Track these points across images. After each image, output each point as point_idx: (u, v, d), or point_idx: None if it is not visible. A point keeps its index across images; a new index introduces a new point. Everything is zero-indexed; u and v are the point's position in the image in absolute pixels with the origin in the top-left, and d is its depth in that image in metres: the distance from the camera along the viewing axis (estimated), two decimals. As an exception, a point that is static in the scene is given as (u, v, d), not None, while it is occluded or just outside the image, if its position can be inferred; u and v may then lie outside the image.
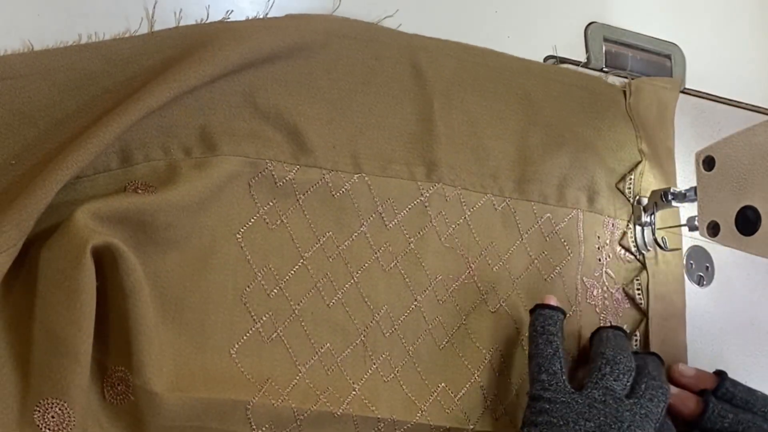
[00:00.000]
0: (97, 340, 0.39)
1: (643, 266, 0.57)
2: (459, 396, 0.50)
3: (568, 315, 0.54)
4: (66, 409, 0.38)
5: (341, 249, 0.48)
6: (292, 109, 0.46)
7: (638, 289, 0.57)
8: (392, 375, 0.48)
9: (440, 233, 0.51)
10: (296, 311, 0.46)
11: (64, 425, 0.38)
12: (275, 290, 0.46)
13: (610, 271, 0.57)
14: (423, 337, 0.49)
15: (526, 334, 0.52)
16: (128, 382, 0.40)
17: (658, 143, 0.60)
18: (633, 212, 0.58)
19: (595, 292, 0.56)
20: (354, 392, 0.46)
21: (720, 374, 0.53)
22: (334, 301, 0.47)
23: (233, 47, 0.43)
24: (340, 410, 0.45)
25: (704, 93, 0.65)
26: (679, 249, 0.59)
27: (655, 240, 0.57)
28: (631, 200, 0.58)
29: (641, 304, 0.57)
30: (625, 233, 0.58)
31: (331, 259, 0.47)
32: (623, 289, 0.57)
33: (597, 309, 0.55)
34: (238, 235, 0.45)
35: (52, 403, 0.38)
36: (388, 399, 0.47)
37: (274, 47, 0.45)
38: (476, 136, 0.53)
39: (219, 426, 0.42)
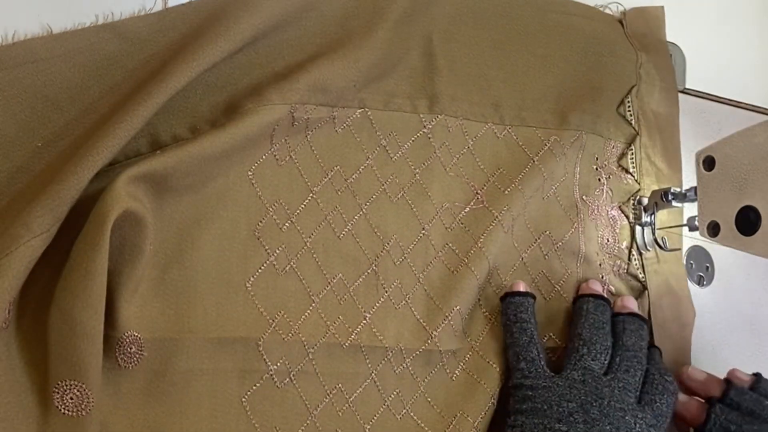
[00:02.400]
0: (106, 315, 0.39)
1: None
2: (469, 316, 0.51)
3: (570, 231, 0.55)
4: (84, 390, 0.38)
5: (349, 182, 0.49)
6: (308, 64, 0.47)
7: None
8: (403, 302, 0.49)
9: (445, 163, 0.52)
10: (308, 243, 0.47)
11: (83, 406, 0.38)
12: (287, 224, 0.47)
13: (610, 190, 0.58)
14: (433, 264, 0.50)
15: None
16: (139, 341, 0.41)
17: (659, 62, 0.61)
18: (637, 135, 0.59)
19: (593, 211, 0.57)
20: (364, 321, 0.47)
21: (728, 381, 0.51)
22: (344, 232, 0.48)
23: (246, 19, 0.44)
24: (348, 342, 0.46)
25: (704, 93, 0.65)
26: (679, 249, 0.59)
27: (655, 240, 0.57)
28: (633, 122, 0.59)
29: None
30: (624, 154, 0.58)
31: (339, 193, 0.49)
32: (620, 207, 0.58)
33: (596, 227, 0.56)
34: (249, 172, 0.46)
35: (71, 385, 0.38)
36: (397, 327, 0.48)
37: (284, 13, 0.46)
38: (477, 67, 0.54)
39: (234, 365, 0.43)
